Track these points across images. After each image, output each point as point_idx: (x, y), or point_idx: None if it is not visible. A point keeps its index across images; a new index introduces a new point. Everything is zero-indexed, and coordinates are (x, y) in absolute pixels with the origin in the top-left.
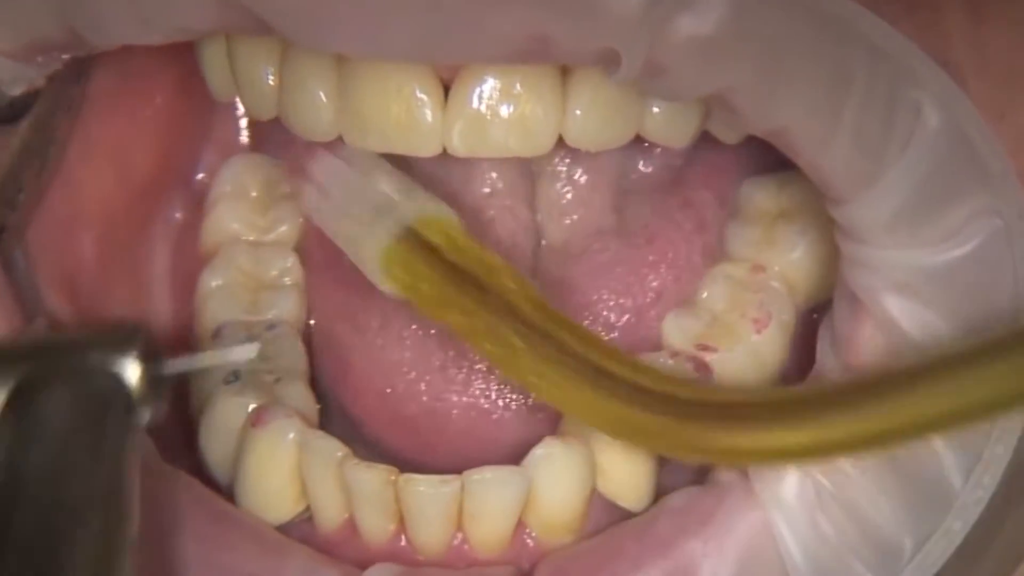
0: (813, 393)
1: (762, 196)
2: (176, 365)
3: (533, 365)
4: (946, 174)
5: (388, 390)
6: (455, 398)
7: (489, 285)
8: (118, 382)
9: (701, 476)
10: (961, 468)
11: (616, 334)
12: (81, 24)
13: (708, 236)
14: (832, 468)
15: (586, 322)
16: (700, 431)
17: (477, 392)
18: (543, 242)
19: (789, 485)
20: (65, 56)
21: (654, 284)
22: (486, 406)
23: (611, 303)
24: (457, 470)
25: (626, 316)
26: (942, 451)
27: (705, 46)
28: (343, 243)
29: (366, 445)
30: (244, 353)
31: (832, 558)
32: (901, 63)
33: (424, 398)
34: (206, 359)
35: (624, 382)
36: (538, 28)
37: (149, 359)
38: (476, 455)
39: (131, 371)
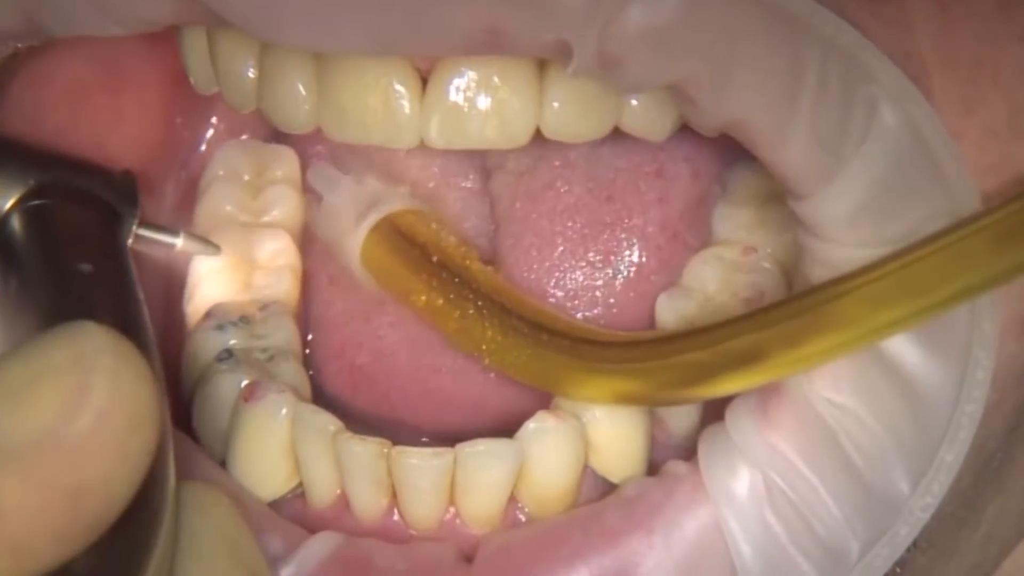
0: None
1: (755, 178)
2: (150, 231)
3: (484, 333)
4: (902, 172)
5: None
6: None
7: (452, 265)
8: (118, 218)
9: (689, 454)
10: (910, 475)
11: (561, 293)
12: (41, 14)
13: (669, 209)
14: (786, 467)
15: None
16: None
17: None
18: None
19: (741, 481)
20: (20, 45)
21: (607, 245)
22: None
23: (564, 256)
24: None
25: (576, 275)
26: (893, 457)
27: (657, 37)
28: (334, 247)
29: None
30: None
31: (780, 555)
32: (855, 58)
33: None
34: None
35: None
36: (490, 20)
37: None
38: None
39: (128, 214)
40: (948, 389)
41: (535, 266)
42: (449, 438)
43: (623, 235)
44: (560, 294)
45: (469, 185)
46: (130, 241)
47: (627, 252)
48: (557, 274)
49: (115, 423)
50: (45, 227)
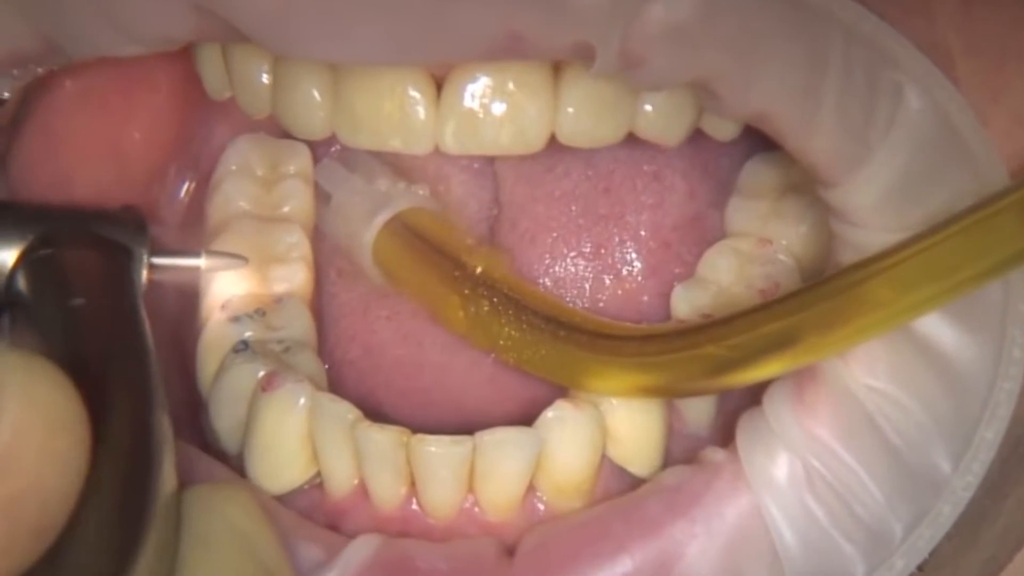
0: None
1: (770, 170)
2: (167, 258)
3: (501, 330)
4: (930, 156)
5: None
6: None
7: (466, 261)
8: (127, 254)
9: (706, 443)
10: (951, 454)
11: (551, 282)
12: (59, 35)
13: (663, 216)
14: (825, 453)
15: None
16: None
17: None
18: None
19: (780, 467)
20: (40, 69)
21: (600, 238)
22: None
23: (557, 244)
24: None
25: (567, 264)
26: (933, 437)
27: (679, 33)
28: (344, 244)
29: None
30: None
31: (822, 539)
32: (878, 45)
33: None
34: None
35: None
36: (509, 24)
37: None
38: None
39: (137, 247)
40: (985, 368)
41: (528, 252)
42: None
43: (616, 230)
44: (549, 283)
45: (474, 165)
46: (145, 273)
47: (618, 248)
48: (548, 261)
49: (34, 430)
50: (47, 275)
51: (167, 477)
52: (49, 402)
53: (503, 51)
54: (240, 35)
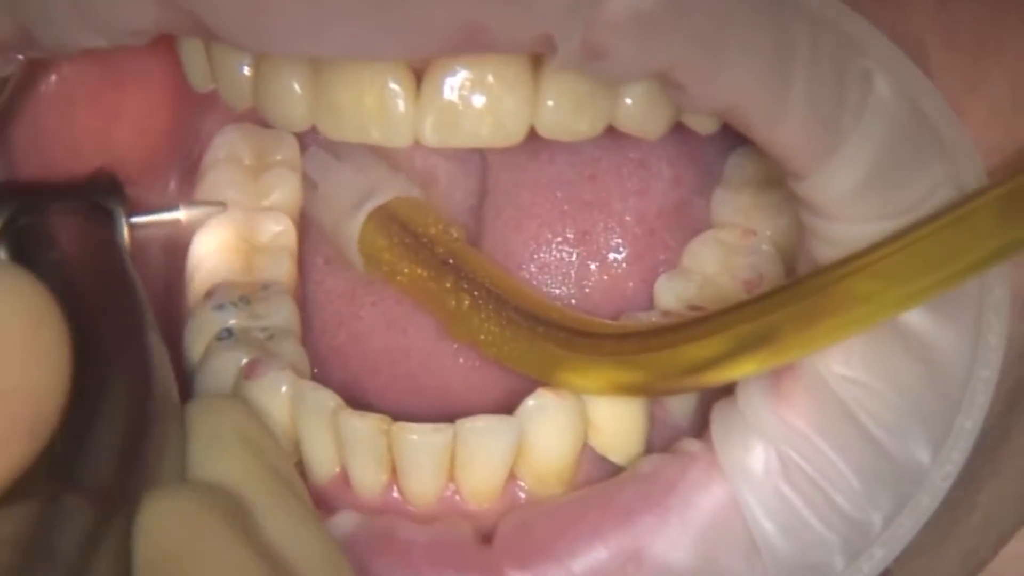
0: None
1: (752, 162)
2: (146, 216)
3: (482, 324)
4: (902, 144)
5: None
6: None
7: (449, 254)
8: (107, 215)
9: (688, 433)
10: (930, 444)
11: (535, 268)
12: (30, 23)
13: (648, 203)
14: (801, 442)
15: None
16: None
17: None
18: None
19: (755, 457)
20: (20, 56)
21: (584, 224)
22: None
23: (542, 229)
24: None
25: (552, 250)
26: (911, 426)
27: (642, 23)
28: (330, 232)
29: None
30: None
31: (801, 527)
32: (844, 32)
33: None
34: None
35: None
36: (470, 17)
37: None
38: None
39: (116, 208)
40: (962, 355)
41: (513, 238)
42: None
43: (601, 216)
44: (534, 269)
45: (459, 153)
46: (127, 232)
47: (603, 235)
48: (533, 247)
49: (15, 326)
50: (30, 241)
51: (167, 387)
52: (25, 297)
53: (465, 44)
54: (204, 30)
